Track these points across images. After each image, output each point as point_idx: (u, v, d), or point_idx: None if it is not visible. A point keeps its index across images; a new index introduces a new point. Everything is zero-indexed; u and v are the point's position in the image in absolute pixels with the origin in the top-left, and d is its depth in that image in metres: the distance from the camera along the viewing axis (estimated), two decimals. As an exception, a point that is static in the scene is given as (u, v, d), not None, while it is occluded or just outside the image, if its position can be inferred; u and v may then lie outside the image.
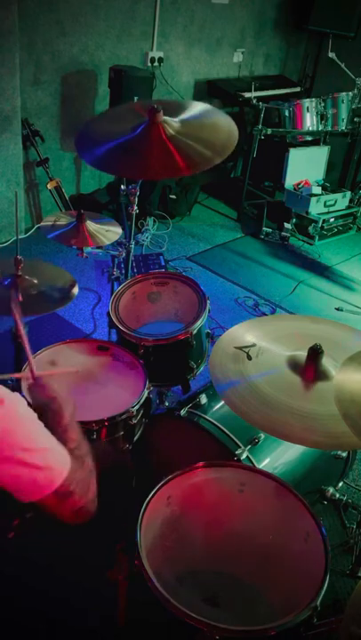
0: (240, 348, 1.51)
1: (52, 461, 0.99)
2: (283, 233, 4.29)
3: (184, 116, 1.77)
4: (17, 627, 1.33)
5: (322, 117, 4.17)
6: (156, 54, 4.24)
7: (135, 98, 3.61)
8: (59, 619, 1.37)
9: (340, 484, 1.96)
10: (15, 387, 1.64)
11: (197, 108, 1.84)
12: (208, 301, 2.02)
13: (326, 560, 1.20)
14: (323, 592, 1.14)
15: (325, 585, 1.15)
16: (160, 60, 4.27)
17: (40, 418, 1.02)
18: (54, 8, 3.56)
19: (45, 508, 1.00)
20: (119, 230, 2.22)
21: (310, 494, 1.74)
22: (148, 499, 1.32)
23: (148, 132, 1.71)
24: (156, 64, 4.25)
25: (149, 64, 4.22)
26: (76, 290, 1.84)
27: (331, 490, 1.80)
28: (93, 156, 1.74)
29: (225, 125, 1.75)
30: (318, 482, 1.82)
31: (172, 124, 1.71)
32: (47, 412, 1.11)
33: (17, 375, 1.57)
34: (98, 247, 2.15)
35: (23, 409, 0.99)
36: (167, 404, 2.12)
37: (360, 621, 0.90)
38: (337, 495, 1.80)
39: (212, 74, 4.78)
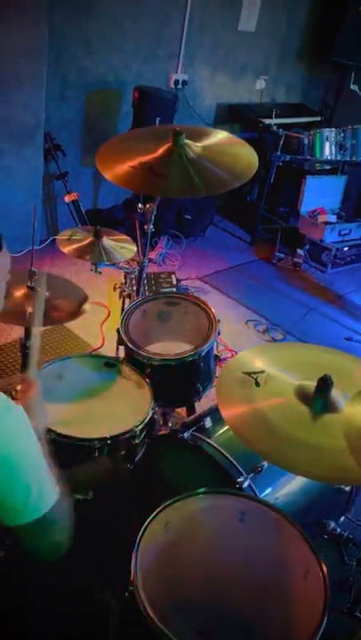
0: (249, 374, 1.49)
1: (46, 486, 0.96)
2: (295, 259, 4.29)
3: (206, 141, 1.80)
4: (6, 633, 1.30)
5: (341, 147, 4.19)
6: (181, 77, 4.30)
7: (158, 119, 3.65)
8: (49, 627, 1.34)
9: (342, 519, 1.92)
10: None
11: (220, 135, 1.87)
12: (219, 324, 2.01)
13: (325, 600, 1.16)
14: (320, 632, 1.11)
15: (323, 625, 1.12)
16: (184, 82, 4.33)
17: None
18: (82, 27, 3.63)
19: (23, 538, 0.96)
20: (133, 247, 2.22)
21: (311, 527, 1.70)
22: (146, 523, 1.30)
23: (169, 152, 1.74)
24: (180, 86, 4.31)
25: (173, 86, 4.28)
26: (87, 306, 1.84)
27: (332, 524, 1.76)
28: (113, 173, 1.77)
29: (245, 153, 1.78)
30: (320, 514, 1.78)
31: (194, 147, 1.74)
32: None
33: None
34: (111, 263, 2.16)
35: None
36: (170, 424, 2.10)
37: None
38: (338, 530, 1.76)
39: (235, 99, 4.83)
